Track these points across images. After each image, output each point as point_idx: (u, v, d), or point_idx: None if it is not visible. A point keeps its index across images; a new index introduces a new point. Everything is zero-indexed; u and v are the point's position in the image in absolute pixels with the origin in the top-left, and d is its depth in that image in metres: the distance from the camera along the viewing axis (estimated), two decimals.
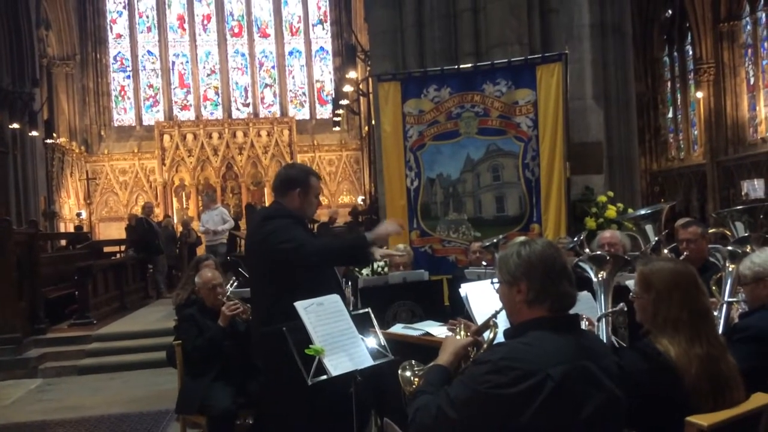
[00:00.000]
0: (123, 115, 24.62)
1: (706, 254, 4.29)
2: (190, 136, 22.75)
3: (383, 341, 2.96)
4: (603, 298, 2.87)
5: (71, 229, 19.51)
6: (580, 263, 3.14)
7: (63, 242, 15.81)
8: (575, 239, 4.61)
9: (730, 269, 3.24)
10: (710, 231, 4.81)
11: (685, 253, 4.27)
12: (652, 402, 2.13)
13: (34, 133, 18.01)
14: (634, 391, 2.07)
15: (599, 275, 2.98)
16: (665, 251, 3.79)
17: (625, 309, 2.77)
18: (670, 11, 23.21)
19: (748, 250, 3.28)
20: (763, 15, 19.25)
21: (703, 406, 2.15)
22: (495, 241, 4.89)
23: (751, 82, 20.05)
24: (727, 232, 4.14)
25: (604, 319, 2.76)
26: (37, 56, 18.74)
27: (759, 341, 2.66)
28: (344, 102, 17.40)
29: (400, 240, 6.42)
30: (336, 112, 20.09)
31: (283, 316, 2.98)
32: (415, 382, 2.15)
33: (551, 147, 6.20)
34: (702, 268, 4.25)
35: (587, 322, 2.70)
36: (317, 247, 3.23)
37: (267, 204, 21.28)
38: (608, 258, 2.99)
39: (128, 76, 24.66)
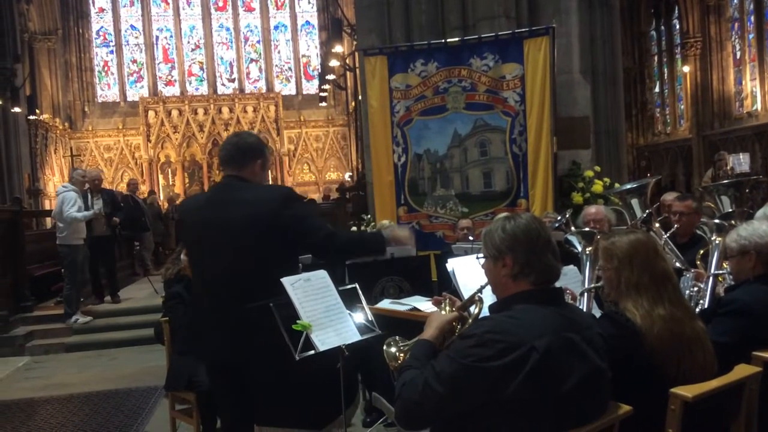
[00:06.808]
0: (107, 91, 24.31)
1: (695, 229, 4.33)
2: (175, 112, 22.54)
3: (371, 316, 2.96)
4: (588, 272, 2.90)
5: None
6: (569, 237, 3.16)
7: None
8: (560, 218, 4.60)
9: (717, 242, 3.26)
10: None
11: (675, 225, 4.30)
12: (626, 368, 2.16)
13: (17, 110, 17.75)
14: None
15: (587, 250, 3.01)
16: (656, 224, 3.81)
17: None
18: None
19: (733, 223, 3.29)
20: None
21: (667, 367, 2.20)
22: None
23: (738, 56, 20.06)
24: (711, 205, 4.17)
25: (586, 294, 2.79)
26: (19, 31, 18.41)
27: (743, 315, 2.68)
28: (331, 77, 17.21)
29: (386, 216, 6.43)
30: (322, 87, 19.94)
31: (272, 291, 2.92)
32: (401, 358, 2.15)
33: (538, 122, 6.19)
34: (690, 242, 4.29)
35: (570, 296, 2.73)
36: (344, 241, 3.12)
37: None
38: (598, 235, 3.01)
39: (111, 51, 24.33)
